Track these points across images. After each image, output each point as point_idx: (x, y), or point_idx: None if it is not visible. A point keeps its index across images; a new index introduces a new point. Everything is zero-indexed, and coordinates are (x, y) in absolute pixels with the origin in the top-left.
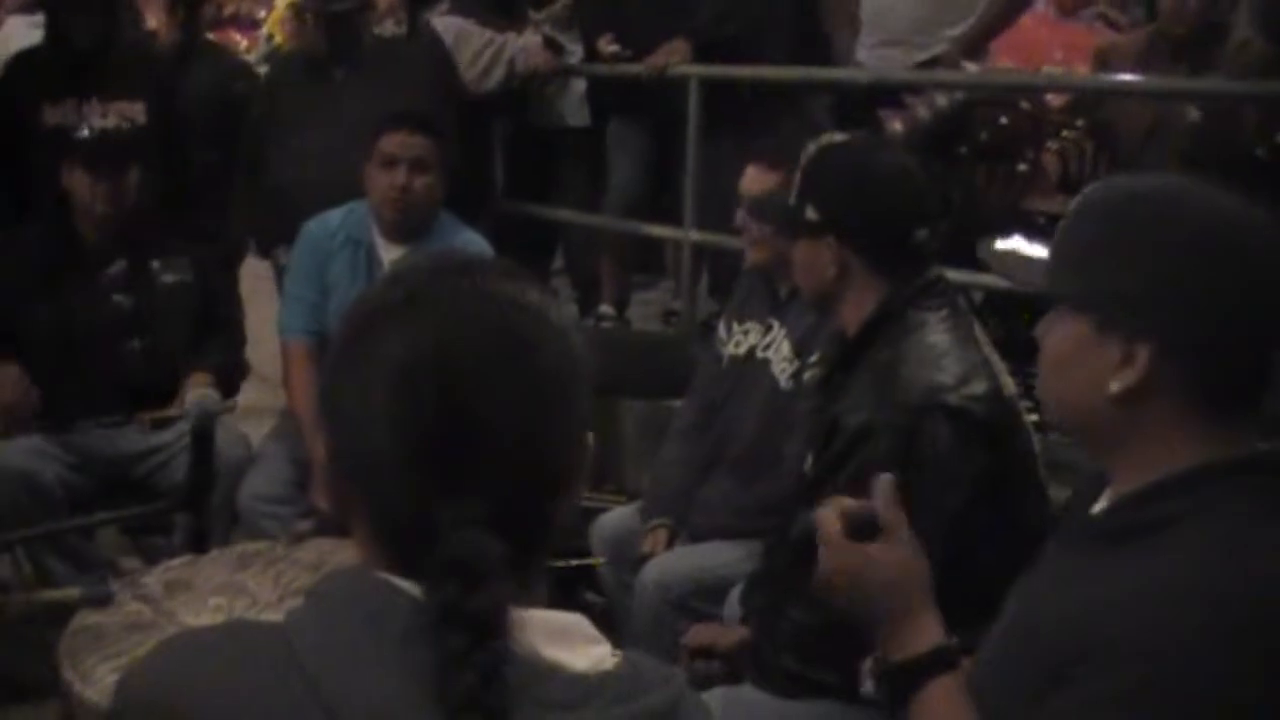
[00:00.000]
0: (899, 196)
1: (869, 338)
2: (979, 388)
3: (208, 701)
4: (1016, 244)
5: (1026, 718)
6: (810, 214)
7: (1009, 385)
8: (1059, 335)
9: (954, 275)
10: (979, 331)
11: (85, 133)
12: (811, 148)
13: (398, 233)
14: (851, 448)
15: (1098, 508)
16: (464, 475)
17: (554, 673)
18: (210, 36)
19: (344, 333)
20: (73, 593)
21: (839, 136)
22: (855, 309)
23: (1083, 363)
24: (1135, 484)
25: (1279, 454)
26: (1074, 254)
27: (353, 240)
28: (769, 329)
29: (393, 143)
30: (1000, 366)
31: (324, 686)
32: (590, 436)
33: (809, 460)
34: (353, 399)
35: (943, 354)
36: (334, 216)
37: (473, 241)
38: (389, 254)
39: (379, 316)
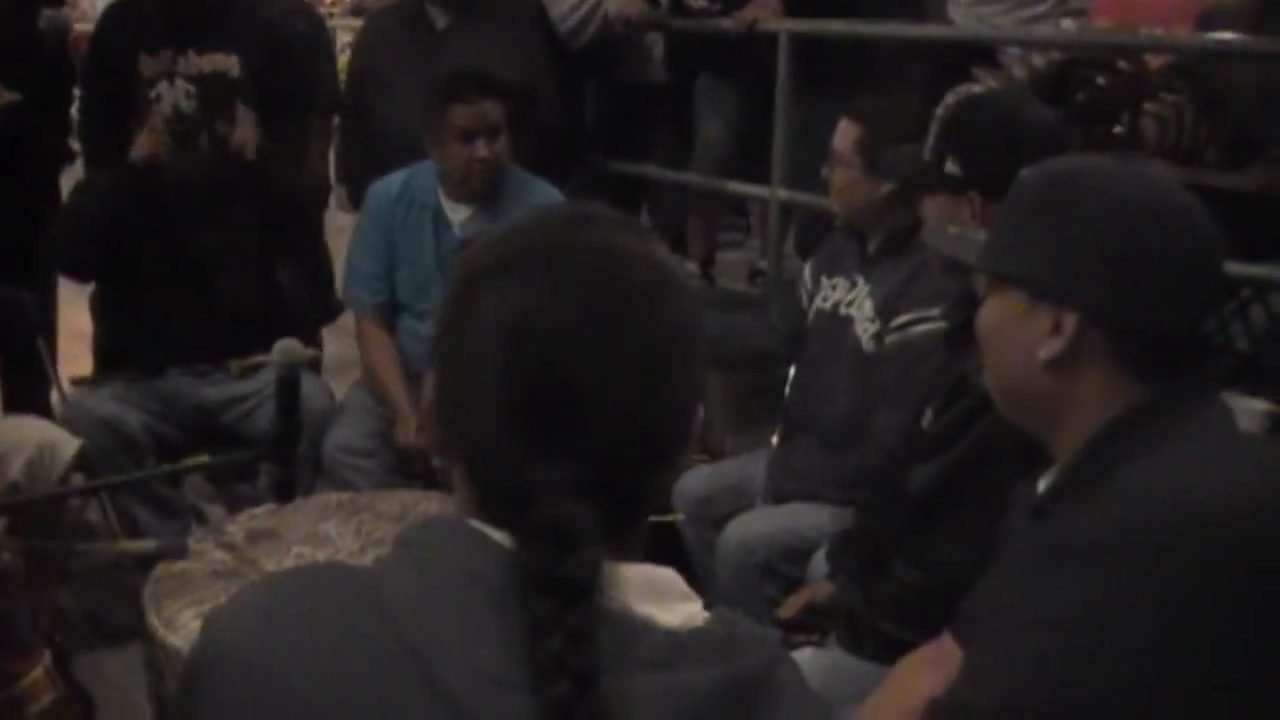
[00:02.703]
0: (1046, 152)
1: None
2: None
3: (293, 647)
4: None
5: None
6: (951, 167)
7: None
8: (994, 309)
9: None
10: None
11: (154, 97)
12: (950, 100)
13: (471, 196)
14: (979, 410)
15: (1041, 485)
16: (564, 437)
17: (646, 629)
18: None
19: (459, 280)
20: (149, 545)
21: (975, 88)
22: None
23: (1016, 334)
24: (1071, 453)
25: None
26: (1008, 230)
27: (418, 203)
28: (854, 285)
29: (466, 115)
30: None
31: (414, 640)
32: (701, 408)
33: (928, 416)
34: (461, 349)
35: None
36: (396, 180)
37: (542, 191)
38: (457, 214)
39: (493, 268)
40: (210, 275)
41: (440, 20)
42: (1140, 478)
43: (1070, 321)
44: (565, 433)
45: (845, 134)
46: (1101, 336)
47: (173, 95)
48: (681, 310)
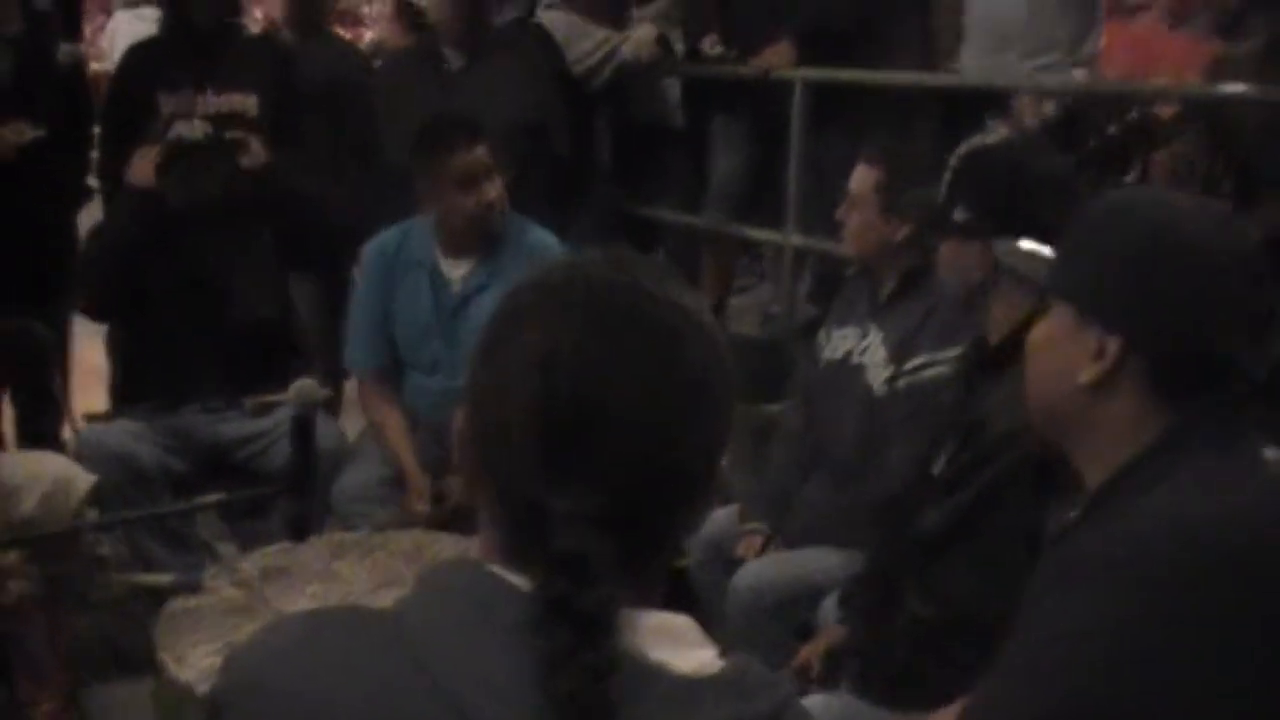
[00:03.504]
0: (1053, 201)
1: (1016, 344)
2: None
3: (315, 684)
4: (1032, 245)
5: None
6: (960, 214)
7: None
8: (1045, 325)
9: None
10: None
11: (171, 138)
12: (963, 148)
13: (469, 248)
14: (994, 452)
15: (1072, 514)
16: (587, 470)
17: (659, 674)
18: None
19: (496, 316)
20: (165, 579)
21: (990, 137)
22: (1002, 313)
23: (1060, 352)
24: (1101, 478)
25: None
26: (1069, 251)
27: (415, 261)
28: (865, 334)
29: (465, 161)
30: None
31: (438, 671)
32: (727, 457)
33: (941, 459)
34: (493, 381)
35: None
36: (391, 238)
37: (542, 240)
38: (455, 271)
39: (529, 304)
40: (224, 309)
41: (455, 61)
42: (1156, 500)
43: (1113, 346)
44: (589, 465)
45: (863, 177)
46: (1140, 363)
47: (191, 135)
48: (710, 352)
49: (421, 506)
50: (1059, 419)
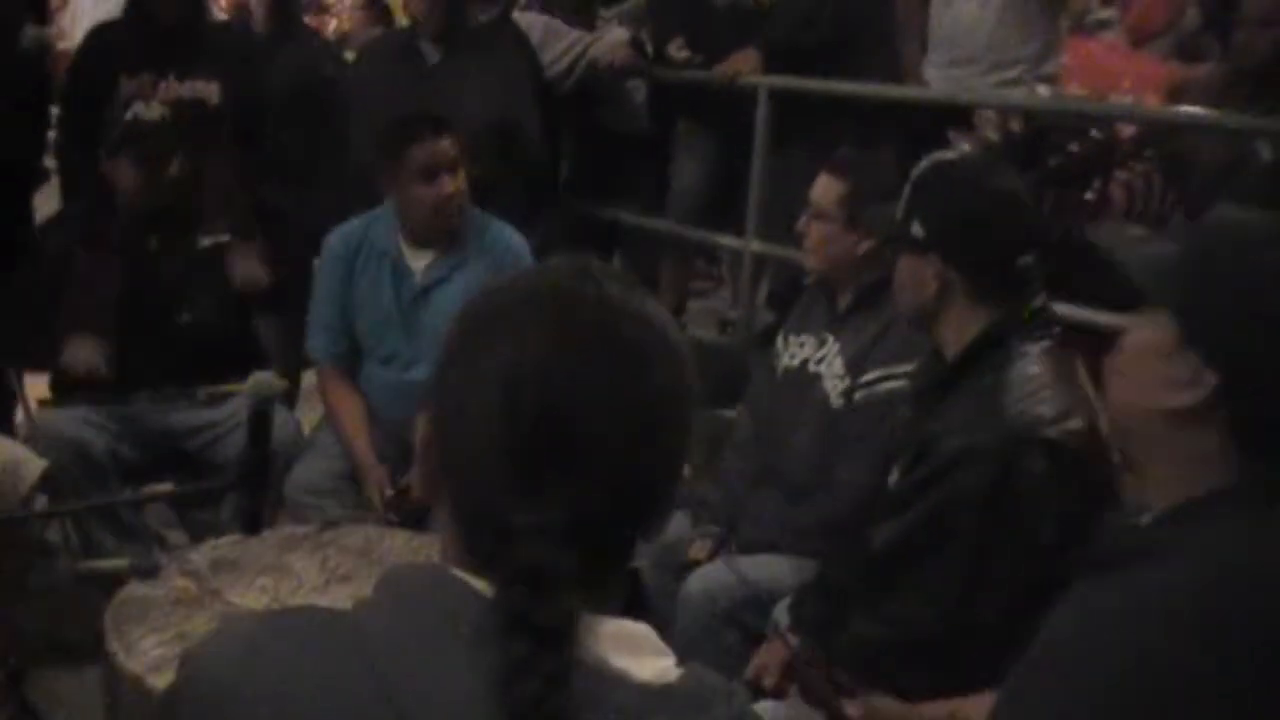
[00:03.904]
0: (1007, 220)
1: (969, 361)
2: (1077, 424)
3: (271, 686)
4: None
5: None
6: (916, 230)
7: (1106, 424)
8: (1145, 333)
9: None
10: (1080, 367)
11: (129, 118)
12: (923, 164)
13: (431, 239)
14: (945, 471)
15: (1144, 518)
16: (550, 482)
17: (619, 682)
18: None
19: (461, 324)
20: (121, 563)
21: (950, 154)
22: (956, 330)
23: (1153, 368)
24: (1161, 505)
25: None
26: (1188, 264)
27: (378, 251)
28: (823, 343)
29: (428, 153)
30: (1099, 404)
31: (391, 679)
32: (687, 466)
33: (894, 474)
34: (460, 392)
35: (1043, 386)
36: (355, 228)
37: (502, 234)
38: (417, 261)
39: (495, 314)
40: (177, 306)
41: (432, 55)
42: (1222, 544)
43: (1209, 381)
44: (554, 478)
45: (826, 188)
46: (1232, 404)
47: (147, 114)
48: (674, 366)
49: (378, 497)
50: (1133, 432)
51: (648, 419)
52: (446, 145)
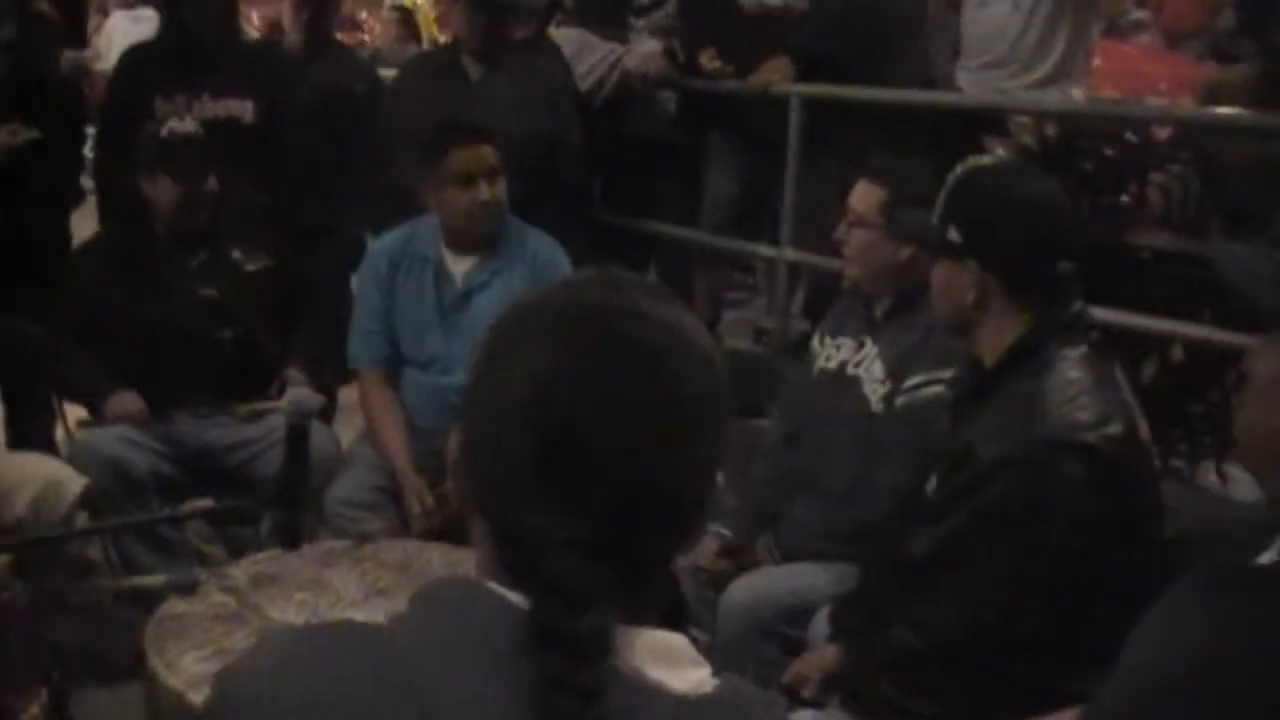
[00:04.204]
0: (1045, 225)
1: (1007, 368)
2: (1116, 429)
3: (305, 700)
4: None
5: None
6: (953, 235)
7: (1144, 429)
8: (1276, 360)
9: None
10: (1118, 372)
11: (165, 134)
12: (959, 169)
13: (472, 245)
14: (983, 479)
15: (1266, 557)
16: (580, 494)
17: (656, 694)
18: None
19: (492, 336)
20: (160, 580)
21: (985, 159)
22: (993, 336)
23: None
24: None
25: None
26: None
27: (420, 257)
28: (861, 346)
29: (466, 159)
30: (1137, 409)
31: (426, 693)
32: (720, 475)
33: (932, 482)
34: (489, 403)
35: (1082, 392)
36: (397, 236)
37: (542, 243)
38: (458, 266)
39: (522, 328)
40: (217, 327)
41: (474, 72)
42: None
43: None
44: (582, 490)
45: (866, 195)
46: None
47: (182, 129)
48: (705, 376)
49: (419, 508)
50: (1269, 458)
51: (679, 433)
52: (486, 152)
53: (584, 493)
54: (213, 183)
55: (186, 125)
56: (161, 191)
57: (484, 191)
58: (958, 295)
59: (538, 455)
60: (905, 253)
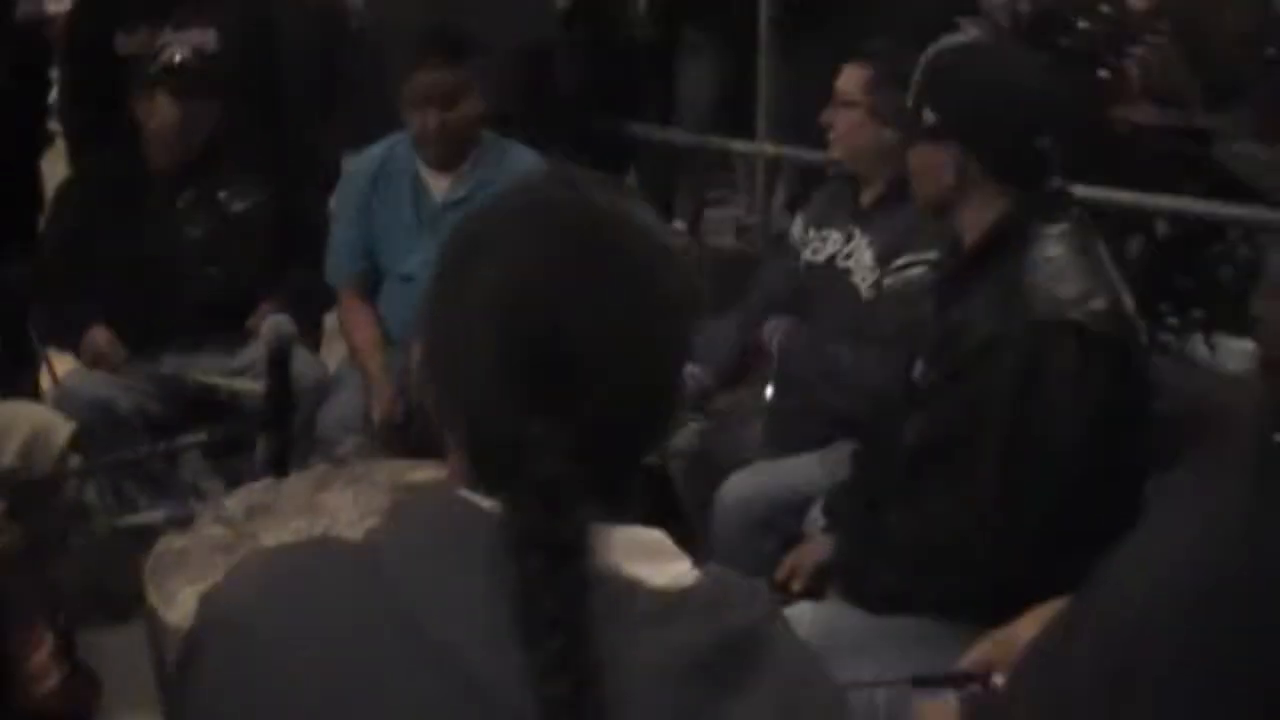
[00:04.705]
0: (1022, 103)
1: (989, 248)
2: (1100, 303)
3: (288, 620)
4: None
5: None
6: (929, 117)
7: (1129, 303)
8: None
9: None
10: (1101, 247)
11: (166, 59)
12: (931, 50)
13: (440, 163)
14: (973, 361)
15: None
16: (556, 397)
17: (637, 589)
18: None
19: (453, 243)
20: (156, 515)
21: (958, 39)
22: (974, 217)
23: None
24: None
25: None
26: None
27: (398, 171)
28: (850, 237)
29: (421, 82)
30: (1122, 284)
31: (409, 604)
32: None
33: (919, 367)
34: (456, 312)
35: (1065, 266)
36: (375, 152)
37: (523, 156)
38: (436, 181)
39: (481, 235)
40: (203, 266)
41: None
42: None
43: None
44: (558, 393)
45: (853, 77)
46: None
47: (179, 54)
48: (672, 272)
49: (384, 412)
50: None
51: (647, 325)
52: (444, 77)
53: (561, 394)
54: (215, 107)
55: (184, 49)
56: (159, 114)
57: (432, 119)
58: (937, 177)
59: (511, 362)
60: (889, 133)
